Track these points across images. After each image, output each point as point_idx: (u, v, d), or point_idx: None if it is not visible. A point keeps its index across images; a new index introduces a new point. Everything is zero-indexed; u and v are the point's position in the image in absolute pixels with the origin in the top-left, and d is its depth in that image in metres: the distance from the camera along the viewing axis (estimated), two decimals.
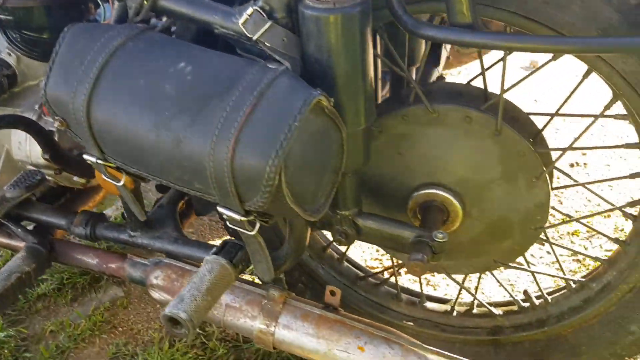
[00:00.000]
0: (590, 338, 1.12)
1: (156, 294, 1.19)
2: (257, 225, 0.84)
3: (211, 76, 0.80)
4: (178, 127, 0.78)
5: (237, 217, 0.81)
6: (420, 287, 1.31)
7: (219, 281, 0.98)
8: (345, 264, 1.35)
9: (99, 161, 0.90)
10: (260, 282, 1.16)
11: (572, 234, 1.71)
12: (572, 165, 1.98)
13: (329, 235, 1.33)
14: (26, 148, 1.25)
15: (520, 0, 0.82)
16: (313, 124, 0.76)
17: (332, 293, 1.12)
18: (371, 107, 0.88)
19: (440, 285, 1.58)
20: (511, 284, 1.56)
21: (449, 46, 1.51)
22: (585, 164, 1.99)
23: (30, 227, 1.31)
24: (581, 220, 1.18)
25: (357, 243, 1.70)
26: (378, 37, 1.03)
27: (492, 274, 1.22)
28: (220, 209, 0.82)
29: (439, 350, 1.04)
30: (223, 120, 0.75)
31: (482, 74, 0.99)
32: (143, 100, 0.81)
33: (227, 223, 0.85)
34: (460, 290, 1.25)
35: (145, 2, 0.89)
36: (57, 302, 1.56)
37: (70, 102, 0.85)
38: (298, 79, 0.77)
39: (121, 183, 0.95)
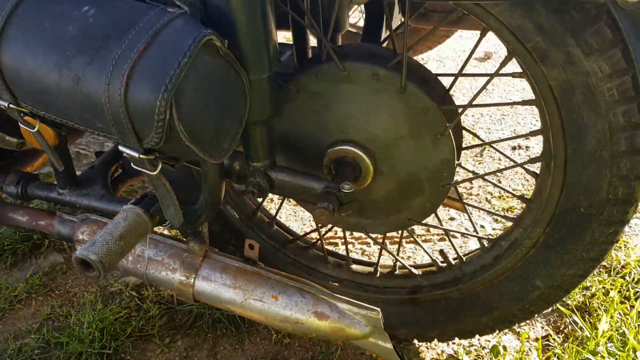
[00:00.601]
0: (500, 294, 1.16)
1: None
2: (159, 166, 0.87)
3: (112, 18, 0.83)
4: (78, 66, 0.81)
5: (136, 154, 0.84)
6: (346, 250, 1.35)
7: (133, 228, 1.01)
8: (275, 227, 1.38)
9: (12, 106, 0.93)
10: (183, 239, 1.19)
11: (488, 193, 1.76)
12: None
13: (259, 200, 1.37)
14: None
15: None
16: (207, 64, 0.80)
17: (251, 247, 1.16)
18: (275, 56, 0.91)
19: (374, 256, 1.62)
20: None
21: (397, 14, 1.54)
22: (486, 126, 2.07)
23: None
24: (487, 178, 1.22)
25: (292, 211, 1.74)
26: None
27: (413, 235, 1.26)
28: (121, 148, 0.85)
29: (348, 299, 1.08)
30: (117, 58, 0.78)
31: (391, 35, 1.03)
32: (47, 42, 0.84)
33: (132, 164, 0.88)
34: (380, 250, 1.29)
35: None
36: None
37: None
38: (193, 21, 0.81)
39: (35, 129, 0.98)
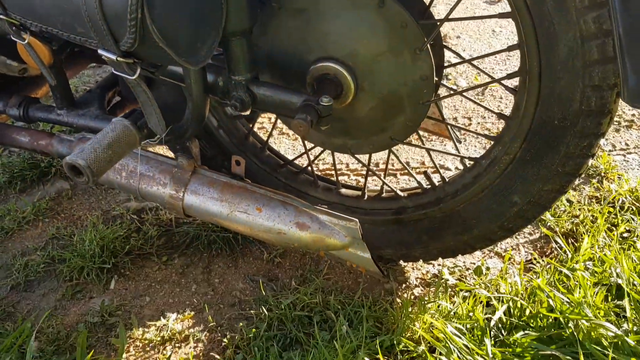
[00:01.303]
0: (479, 211, 1.19)
1: None
2: (138, 70, 0.91)
3: None
4: None
5: (114, 57, 0.87)
6: (336, 174, 1.38)
7: (121, 139, 1.05)
8: (267, 152, 1.42)
9: (2, 17, 0.97)
10: (174, 154, 1.24)
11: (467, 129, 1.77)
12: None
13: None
14: None
15: None
16: None
17: (238, 163, 1.20)
18: None
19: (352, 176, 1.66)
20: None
21: None
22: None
23: None
24: (466, 95, 1.24)
25: (292, 145, 1.78)
26: None
27: (397, 157, 1.29)
28: (100, 52, 0.89)
29: (328, 210, 1.12)
30: None
31: None
32: None
33: (113, 70, 0.92)
34: (367, 172, 1.32)
35: None
36: (6, 192, 1.66)
37: None
38: None
39: (25, 41, 1.02)
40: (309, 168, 1.39)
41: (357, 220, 1.09)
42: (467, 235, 1.22)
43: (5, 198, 1.64)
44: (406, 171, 1.64)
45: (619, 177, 1.58)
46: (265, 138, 1.43)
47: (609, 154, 1.68)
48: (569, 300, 1.08)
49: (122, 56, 0.87)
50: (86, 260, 1.38)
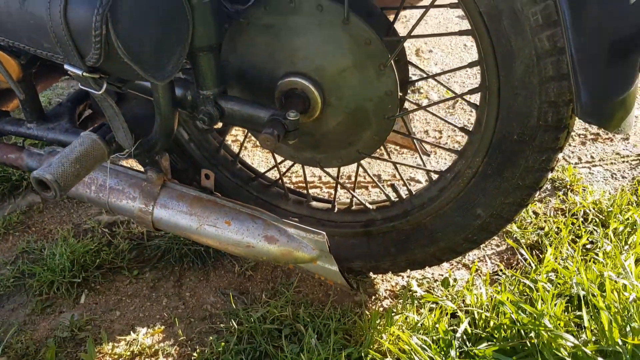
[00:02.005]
0: (445, 224, 1.21)
1: None
2: (104, 86, 0.92)
3: None
4: None
5: (79, 72, 0.88)
6: (306, 187, 1.40)
7: (89, 153, 1.06)
8: (239, 165, 1.43)
9: None
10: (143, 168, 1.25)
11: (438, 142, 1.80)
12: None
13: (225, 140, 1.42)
14: None
15: None
16: None
17: (207, 176, 1.21)
18: None
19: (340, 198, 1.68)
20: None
21: None
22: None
23: None
24: (430, 110, 1.26)
25: (265, 157, 1.79)
26: None
27: (366, 170, 1.31)
28: (66, 67, 0.90)
29: (296, 224, 1.13)
30: None
31: None
32: None
33: (79, 85, 0.93)
34: (336, 185, 1.34)
35: None
36: None
37: None
38: None
39: None
40: (280, 181, 1.41)
41: (324, 233, 1.10)
42: (434, 247, 1.24)
43: None
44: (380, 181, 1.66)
45: (584, 190, 1.62)
46: (237, 151, 1.45)
47: (574, 167, 1.72)
48: (530, 312, 1.11)
49: (88, 71, 0.88)
50: (56, 275, 1.37)
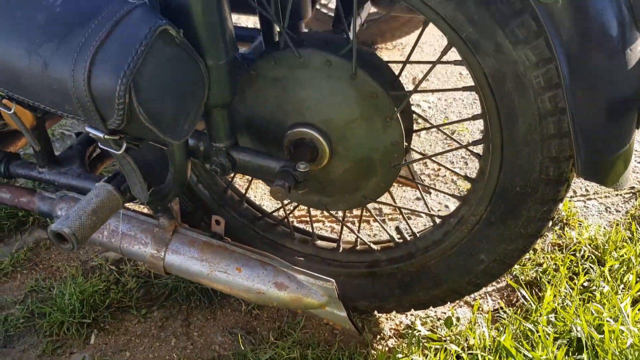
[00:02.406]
0: (449, 267, 1.25)
1: None
2: (124, 146, 0.95)
3: (78, 8, 0.90)
4: (46, 52, 0.89)
5: (101, 135, 0.92)
6: (311, 226, 1.43)
7: (105, 204, 1.09)
8: (245, 205, 1.47)
9: None
10: (155, 215, 1.27)
11: (436, 174, 1.85)
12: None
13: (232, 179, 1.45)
14: None
15: None
16: (163, 51, 0.87)
17: (217, 222, 1.24)
18: (230, 43, 0.98)
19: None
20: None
21: (364, 13, 1.63)
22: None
23: None
24: (434, 159, 1.31)
25: (263, 189, 1.83)
26: None
27: (371, 212, 1.34)
28: (87, 129, 0.93)
29: (305, 271, 1.17)
30: (82, 45, 0.86)
31: (342, 23, 1.10)
32: (19, 29, 0.91)
33: (99, 145, 0.96)
34: (342, 226, 1.37)
35: None
36: None
37: None
38: (151, 12, 0.88)
39: (12, 111, 1.06)
40: (285, 220, 1.44)
41: (333, 280, 1.14)
42: (438, 289, 1.27)
43: None
44: (380, 221, 1.70)
45: (579, 224, 1.66)
46: (244, 189, 1.48)
47: (570, 200, 1.76)
48: (531, 357, 1.14)
49: (109, 134, 0.91)
50: (66, 315, 1.39)
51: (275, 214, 1.48)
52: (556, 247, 1.59)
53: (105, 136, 0.91)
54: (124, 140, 0.95)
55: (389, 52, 2.75)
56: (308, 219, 1.73)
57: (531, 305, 1.37)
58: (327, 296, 1.15)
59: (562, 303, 1.35)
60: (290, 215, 1.74)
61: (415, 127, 1.28)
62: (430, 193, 1.70)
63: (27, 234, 1.68)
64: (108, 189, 1.10)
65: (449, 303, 1.40)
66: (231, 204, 1.45)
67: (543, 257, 1.53)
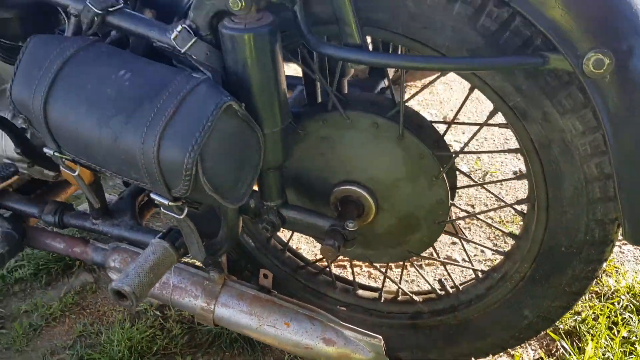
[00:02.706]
0: (493, 322, 1.26)
1: (114, 276, 1.35)
2: (185, 210, 1.00)
3: (145, 82, 0.95)
4: (116, 125, 0.94)
5: (165, 202, 0.96)
6: (353, 276, 1.46)
7: (161, 261, 1.13)
8: (288, 253, 1.50)
9: (56, 154, 1.06)
10: (204, 267, 1.31)
11: (480, 227, 1.86)
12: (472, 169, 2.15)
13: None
14: (2, 144, 1.40)
15: (404, 25, 0.97)
16: (227, 124, 0.92)
17: (265, 276, 1.28)
18: (285, 111, 1.03)
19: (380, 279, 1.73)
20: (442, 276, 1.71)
21: None
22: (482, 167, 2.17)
23: (6, 215, 1.47)
24: (479, 216, 1.33)
25: (303, 236, 1.86)
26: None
27: (414, 265, 1.37)
28: (152, 196, 0.98)
29: (353, 327, 1.19)
30: (151, 120, 0.91)
31: (389, 86, 1.15)
32: (89, 102, 0.97)
33: (161, 209, 1.01)
34: (384, 278, 1.40)
35: (95, 18, 1.05)
36: (32, 285, 1.72)
37: (31, 103, 1.01)
38: (215, 87, 0.93)
39: (76, 173, 1.11)
40: (327, 269, 1.47)
41: (380, 337, 1.16)
42: (481, 342, 1.29)
43: (31, 292, 1.70)
44: (422, 268, 1.72)
45: (616, 270, 1.67)
46: (286, 238, 1.51)
47: None
48: None
49: (173, 201, 0.96)
50: None
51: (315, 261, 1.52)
52: (594, 295, 1.60)
53: (170, 203, 0.96)
54: (185, 205, 0.99)
55: (418, 91, 2.80)
56: (348, 263, 1.77)
57: (572, 358, 1.38)
58: (375, 353, 1.18)
59: (604, 356, 1.35)
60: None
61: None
62: (468, 242, 1.72)
63: (73, 278, 1.73)
64: (164, 246, 1.14)
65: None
66: (274, 252, 1.49)
67: (581, 306, 1.54)
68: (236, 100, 0.92)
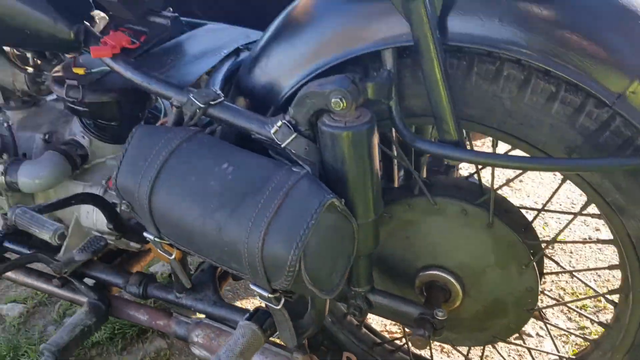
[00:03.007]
0: None
1: (197, 351, 1.37)
2: (282, 301, 1.02)
3: (247, 176, 0.99)
4: (220, 217, 0.97)
5: (265, 294, 0.99)
6: (431, 353, 1.45)
7: (251, 345, 1.15)
8: (364, 330, 1.50)
9: (156, 239, 1.10)
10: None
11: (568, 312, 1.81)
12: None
13: None
14: (93, 217, 1.47)
15: (500, 120, 0.99)
16: (327, 219, 0.94)
17: (349, 359, 1.28)
18: (378, 202, 1.05)
19: (453, 353, 1.71)
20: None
21: None
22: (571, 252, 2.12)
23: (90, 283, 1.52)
24: (568, 304, 1.31)
25: None
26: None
27: (496, 349, 1.35)
28: (252, 286, 1.00)
29: None
30: (255, 215, 0.94)
31: (477, 172, 1.16)
32: (193, 194, 1.01)
33: (258, 297, 1.03)
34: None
35: (197, 110, 1.10)
36: (108, 350, 1.76)
37: (136, 192, 1.06)
38: (316, 182, 0.96)
39: (173, 257, 1.15)
40: (405, 347, 1.46)
41: None
42: None
43: (107, 356, 1.74)
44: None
45: None
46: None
47: None
48: None
49: (272, 292, 0.98)
50: None
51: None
52: None
53: (269, 295, 0.98)
54: (282, 296, 1.01)
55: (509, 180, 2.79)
56: None
57: None
58: None
59: None
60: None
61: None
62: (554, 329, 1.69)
63: (148, 343, 1.77)
64: (253, 329, 1.16)
65: None
66: (350, 328, 1.49)
67: None
68: (337, 197, 0.95)
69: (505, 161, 0.92)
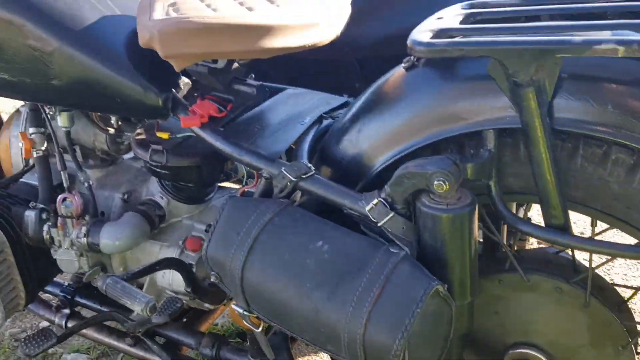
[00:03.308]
0: None
1: None
2: None
3: (344, 255, 0.98)
4: (317, 298, 0.96)
5: None
6: None
7: None
8: None
9: (245, 312, 1.10)
10: None
11: None
12: None
13: None
14: (169, 278, 1.47)
15: (606, 204, 0.96)
16: (430, 305, 0.92)
17: None
18: (475, 284, 1.03)
19: None
20: None
21: None
22: None
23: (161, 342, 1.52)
24: None
25: None
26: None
27: None
28: None
29: None
30: (356, 299, 0.92)
31: (572, 251, 1.13)
32: (288, 271, 1.00)
33: None
34: None
35: (289, 184, 1.10)
36: None
37: (228, 264, 1.05)
38: (418, 267, 0.94)
39: (260, 329, 1.14)
40: None
41: None
42: None
43: None
44: None
45: None
46: None
47: None
48: None
49: None
50: None
51: None
52: None
53: None
54: None
55: (608, 260, 2.73)
56: None
57: None
58: None
59: None
60: None
61: None
62: None
63: None
64: None
65: None
66: None
67: None
68: (440, 282, 0.93)
69: (621, 251, 0.89)
